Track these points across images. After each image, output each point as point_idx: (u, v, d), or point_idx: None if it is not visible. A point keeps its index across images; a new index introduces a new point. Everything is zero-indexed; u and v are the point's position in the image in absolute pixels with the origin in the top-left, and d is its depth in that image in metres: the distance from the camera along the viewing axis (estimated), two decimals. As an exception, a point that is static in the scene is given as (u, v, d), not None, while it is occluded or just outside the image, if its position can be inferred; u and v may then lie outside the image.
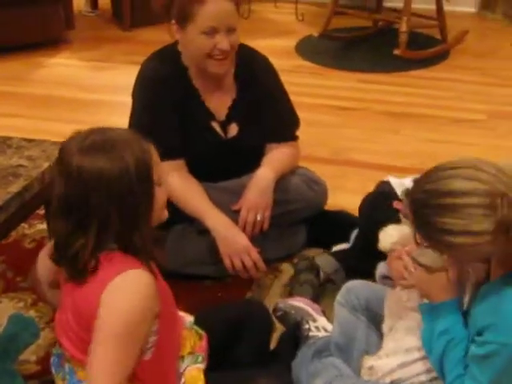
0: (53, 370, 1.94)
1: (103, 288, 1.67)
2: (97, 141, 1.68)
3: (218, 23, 2.61)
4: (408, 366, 1.96)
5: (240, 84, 2.82)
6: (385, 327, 2.09)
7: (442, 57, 5.00)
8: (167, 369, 1.85)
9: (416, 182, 1.70)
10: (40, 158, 2.25)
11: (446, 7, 5.16)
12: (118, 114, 4.06)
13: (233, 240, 2.64)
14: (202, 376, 1.92)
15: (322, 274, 2.70)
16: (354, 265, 2.68)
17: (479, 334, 1.68)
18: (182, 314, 2.03)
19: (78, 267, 1.68)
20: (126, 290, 1.67)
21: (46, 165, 2.21)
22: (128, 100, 4.27)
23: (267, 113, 2.84)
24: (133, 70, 4.68)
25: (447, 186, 1.59)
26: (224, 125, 2.82)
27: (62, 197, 1.68)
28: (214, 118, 2.81)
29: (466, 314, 1.80)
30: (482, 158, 1.64)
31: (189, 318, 2.04)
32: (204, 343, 2.00)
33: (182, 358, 1.94)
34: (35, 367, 2.39)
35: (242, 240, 2.64)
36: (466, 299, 1.82)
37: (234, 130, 2.83)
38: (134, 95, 2.83)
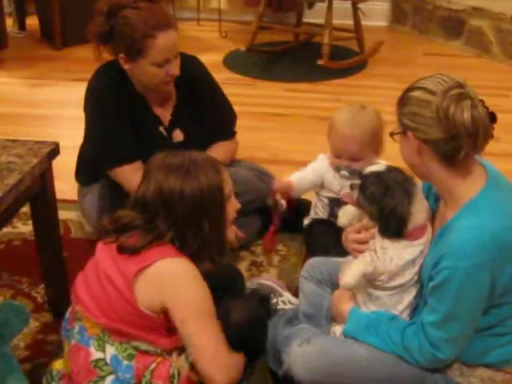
0: (63, 336, 2.14)
1: (142, 264, 1.92)
2: (177, 162, 1.97)
3: (168, 55, 2.77)
4: None
5: (180, 91, 2.98)
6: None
7: (360, 66, 5.34)
8: None
9: None
10: (28, 155, 2.38)
11: (362, 21, 5.51)
12: (63, 127, 4.26)
13: None
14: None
15: None
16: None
17: (435, 267, 1.96)
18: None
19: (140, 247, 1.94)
20: (183, 277, 1.94)
21: (35, 160, 2.35)
22: (70, 114, 4.46)
23: (209, 117, 3.04)
24: (69, 86, 4.92)
25: None
26: (168, 131, 3.00)
27: (141, 198, 1.98)
28: (162, 122, 2.98)
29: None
30: None
31: None
32: None
33: None
34: (25, 352, 2.53)
35: None
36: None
37: (178, 135, 3.01)
38: (86, 109, 2.96)
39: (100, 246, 2.07)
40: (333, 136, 2.87)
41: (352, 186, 2.22)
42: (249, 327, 2.23)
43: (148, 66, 2.78)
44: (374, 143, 2.84)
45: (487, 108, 1.92)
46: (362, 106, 2.91)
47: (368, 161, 2.79)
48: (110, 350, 1.98)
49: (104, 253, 2.02)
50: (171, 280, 1.94)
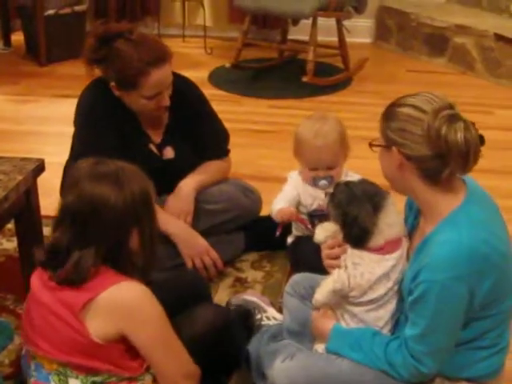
0: (24, 372, 2.11)
1: (87, 296, 1.87)
2: (106, 170, 1.91)
3: (161, 88, 2.78)
4: None
5: (173, 110, 2.97)
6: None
7: (345, 83, 5.38)
8: None
9: None
10: (13, 172, 2.41)
11: (346, 38, 5.55)
12: (48, 144, 4.25)
13: (193, 242, 2.87)
14: None
15: None
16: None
17: (413, 280, 1.97)
18: None
19: (79, 275, 1.87)
20: (137, 303, 1.90)
21: (20, 177, 2.38)
22: (54, 130, 4.44)
23: (201, 135, 3.04)
24: (54, 102, 4.93)
25: None
26: (159, 148, 3.00)
27: (70, 209, 1.89)
28: (151, 140, 2.98)
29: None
30: None
31: None
32: None
33: None
34: (9, 369, 2.52)
35: (202, 241, 2.89)
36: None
37: (169, 152, 3.01)
38: (75, 123, 2.97)
39: (34, 275, 2.00)
40: (305, 151, 2.88)
41: (326, 194, 2.25)
42: (214, 334, 2.25)
43: (139, 98, 2.78)
44: (343, 147, 2.88)
45: (477, 130, 1.95)
46: (322, 115, 2.96)
47: (341, 165, 2.87)
48: (75, 383, 1.94)
49: (40, 283, 1.96)
50: (126, 309, 1.89)
